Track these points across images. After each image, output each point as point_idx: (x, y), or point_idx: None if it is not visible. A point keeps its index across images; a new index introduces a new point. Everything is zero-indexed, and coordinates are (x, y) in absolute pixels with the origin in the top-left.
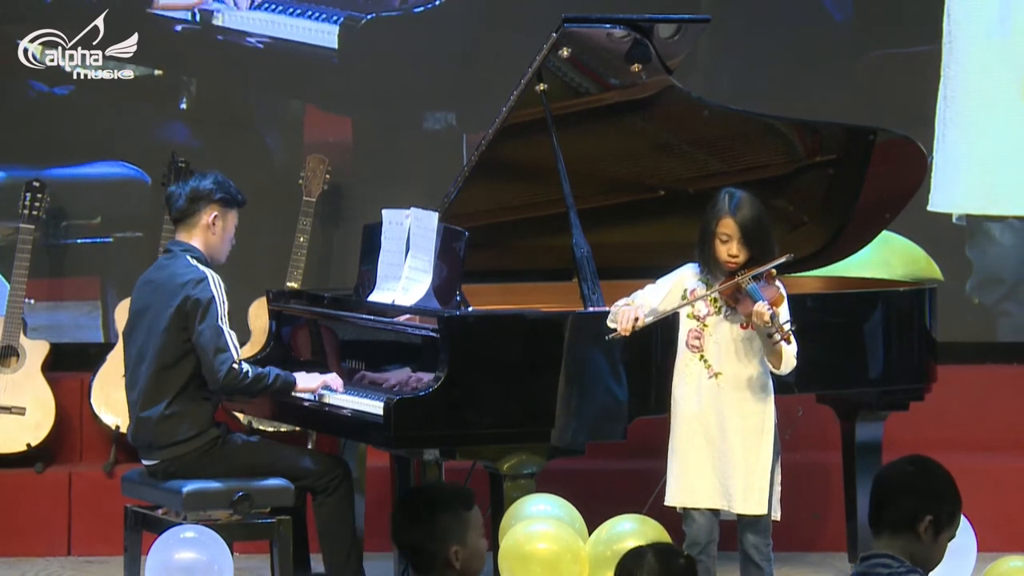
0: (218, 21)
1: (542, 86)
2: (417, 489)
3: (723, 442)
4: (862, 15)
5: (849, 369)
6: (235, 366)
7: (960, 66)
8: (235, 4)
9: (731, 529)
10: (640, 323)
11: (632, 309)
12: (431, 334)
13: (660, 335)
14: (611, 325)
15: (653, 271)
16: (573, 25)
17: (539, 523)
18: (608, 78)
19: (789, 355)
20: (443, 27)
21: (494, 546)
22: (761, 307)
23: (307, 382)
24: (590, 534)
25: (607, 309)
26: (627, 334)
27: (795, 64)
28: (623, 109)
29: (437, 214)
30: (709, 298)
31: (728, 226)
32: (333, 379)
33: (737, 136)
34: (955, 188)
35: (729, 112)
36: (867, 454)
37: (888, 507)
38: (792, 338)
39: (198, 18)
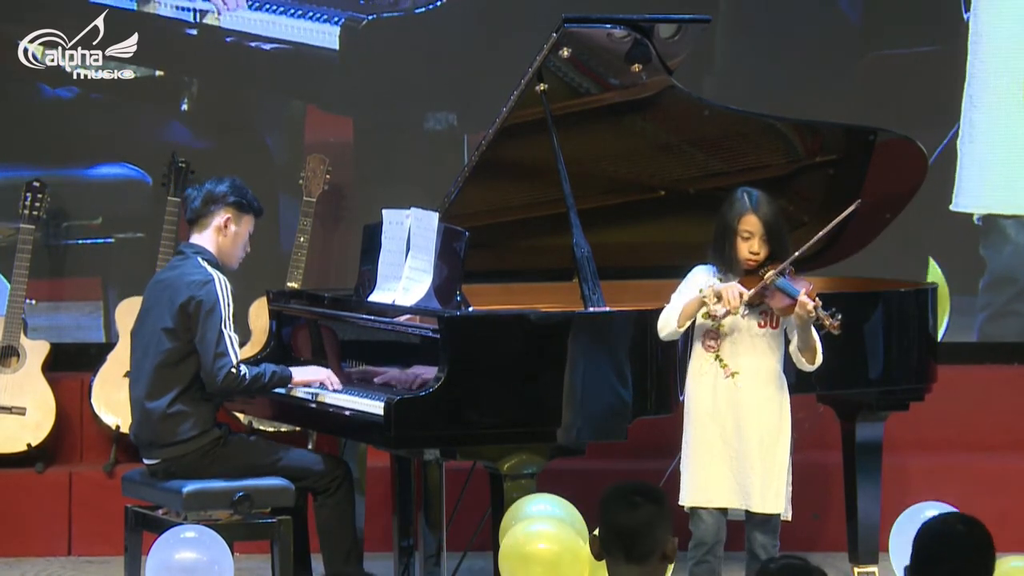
0: (215, 21)
1: (542, 86)
2: (631, 483)
3: (740, 441)
4: (872, 15)
5: (849, 369)
6: (233, 370)
7: (983, 66)
8: (225, 4)
9: (736, 529)
10: (745, 298)
11: (736, 286)
12: (431, 334)
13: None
14: (709, 309)
15: (653, 271)
16: (573, 25)
17: (539, 523)
18: (608, 78)
19: (819, 348)
20: (443, 28)
21: (494, 546)
22: (803, 298)
23: (304, 375)
24: (590, 534)
25: (607, 309)
26: (737, 312)
27: (810, 65)
28: (623, 109)
29: (437, 214)
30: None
31: (751, 223)
32: (329, 376)
33: (737, 136)
34: (978, 189)
35: (729, 112)
36: (867, 454)
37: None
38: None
39: (205, 19)
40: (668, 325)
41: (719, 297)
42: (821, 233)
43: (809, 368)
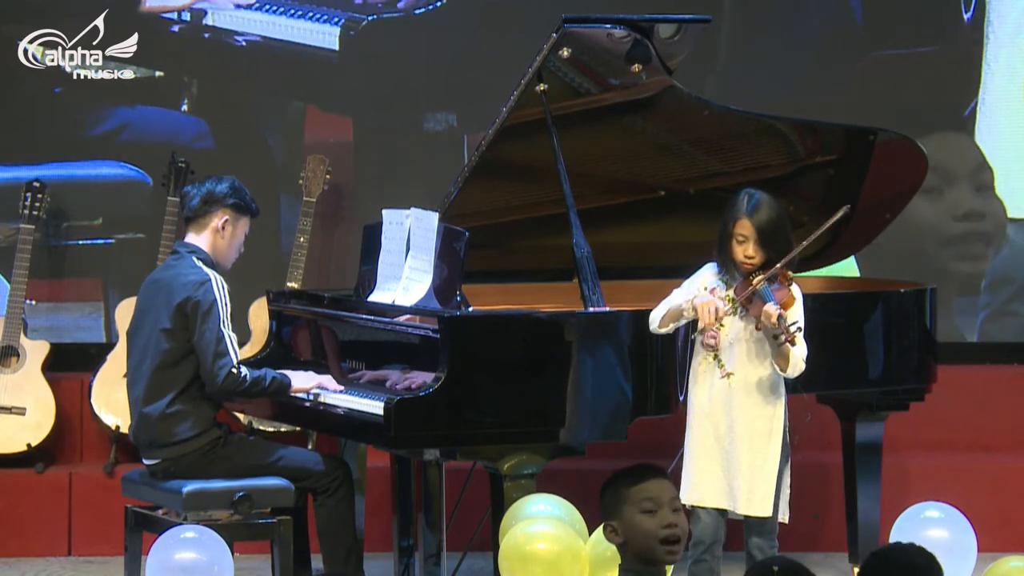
0: (213, 21)
1: (542, 86)
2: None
3: (731, 442)
4: (872, 15)
5: (849, 369)
6: (233, 371)
7: (990, 68)
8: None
9: (737, 529)
10: (722, 313)
11: (713, 300)
12: (431, 334)
13: (661, 335)
14: (686, 318)
15: (654, 271)
16: (573, 25)
17: (539, 523)
18: (608, 78)
19: (796, 358)
20: (443, 28)
21: (494, 546)
22: (770, 308)
23: (302, 382)
24: (590, 534)
25: (607, 309)
26: (712, 327)
27: (811, 65)
28: (623, 109)
29: (437, 214)
30: (727, 298)
31: (745, 227)
32: (327, 380)
33: (737, 136)
34: None
35: (729, 112)
36: (867, 454)
37: None
38: (801, 341)
39: (205, 20)
40: (653, 322)
41: (696, 311)
42: (807, 241)
43: (784, 376)
